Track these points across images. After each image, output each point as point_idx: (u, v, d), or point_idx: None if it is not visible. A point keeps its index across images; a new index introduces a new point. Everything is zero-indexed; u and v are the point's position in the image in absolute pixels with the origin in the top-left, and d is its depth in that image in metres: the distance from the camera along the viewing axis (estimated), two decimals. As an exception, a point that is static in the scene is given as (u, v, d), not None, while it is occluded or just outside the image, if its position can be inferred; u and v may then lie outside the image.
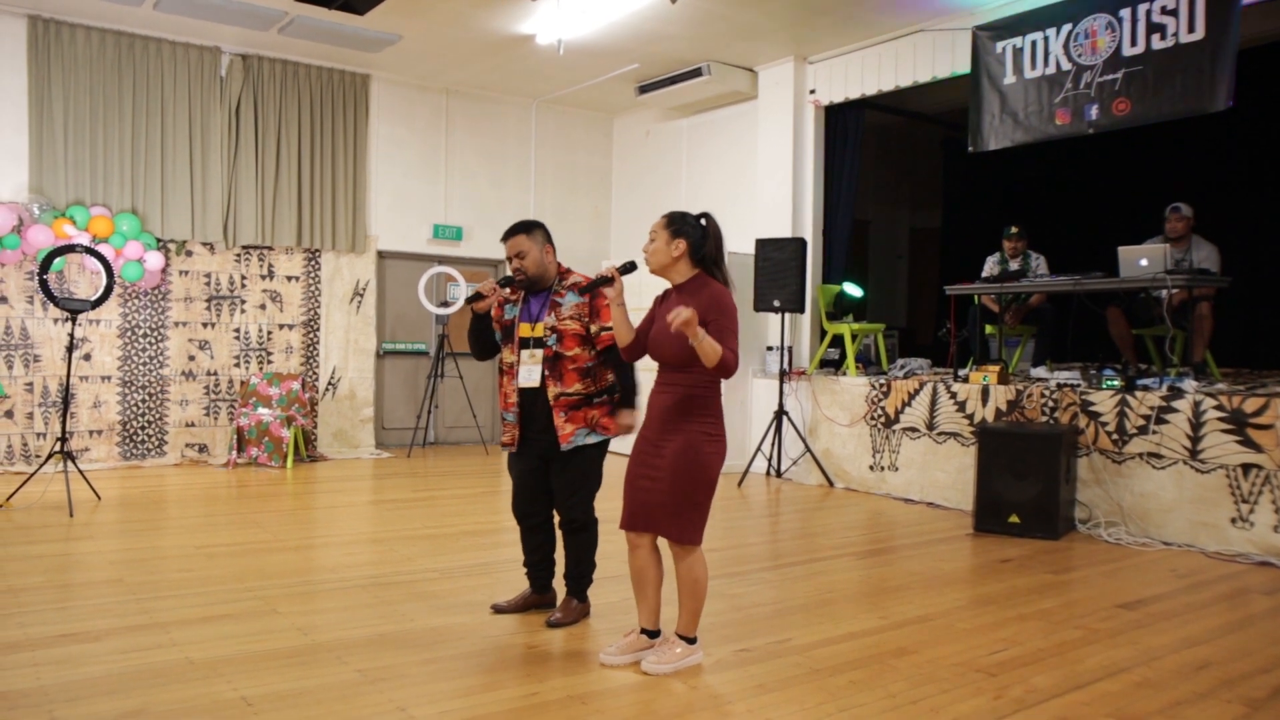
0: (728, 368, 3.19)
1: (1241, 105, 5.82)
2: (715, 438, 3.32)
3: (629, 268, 3.47)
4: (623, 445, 3.75)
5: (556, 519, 3.93)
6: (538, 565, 4.02)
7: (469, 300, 3.79)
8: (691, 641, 3.42)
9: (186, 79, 8.25)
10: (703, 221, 3.38)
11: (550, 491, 3.87)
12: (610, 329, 3.67)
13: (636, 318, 3.47)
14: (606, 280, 3.42)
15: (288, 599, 4.18)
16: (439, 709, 3.01)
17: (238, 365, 8.67)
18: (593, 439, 3.77)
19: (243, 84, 8.50)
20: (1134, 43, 6.20)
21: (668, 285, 3.45)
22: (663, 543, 3.43)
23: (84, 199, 7.84)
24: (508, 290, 3.89)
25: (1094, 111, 6.44)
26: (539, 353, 3.74)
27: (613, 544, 4.33)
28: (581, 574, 3.93)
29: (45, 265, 6.13)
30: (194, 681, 3.18)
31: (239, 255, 8.65)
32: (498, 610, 4.01)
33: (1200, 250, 6.71)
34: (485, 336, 3.86)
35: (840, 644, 3.73)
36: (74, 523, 5.66)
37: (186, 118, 8.26)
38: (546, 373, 3.73)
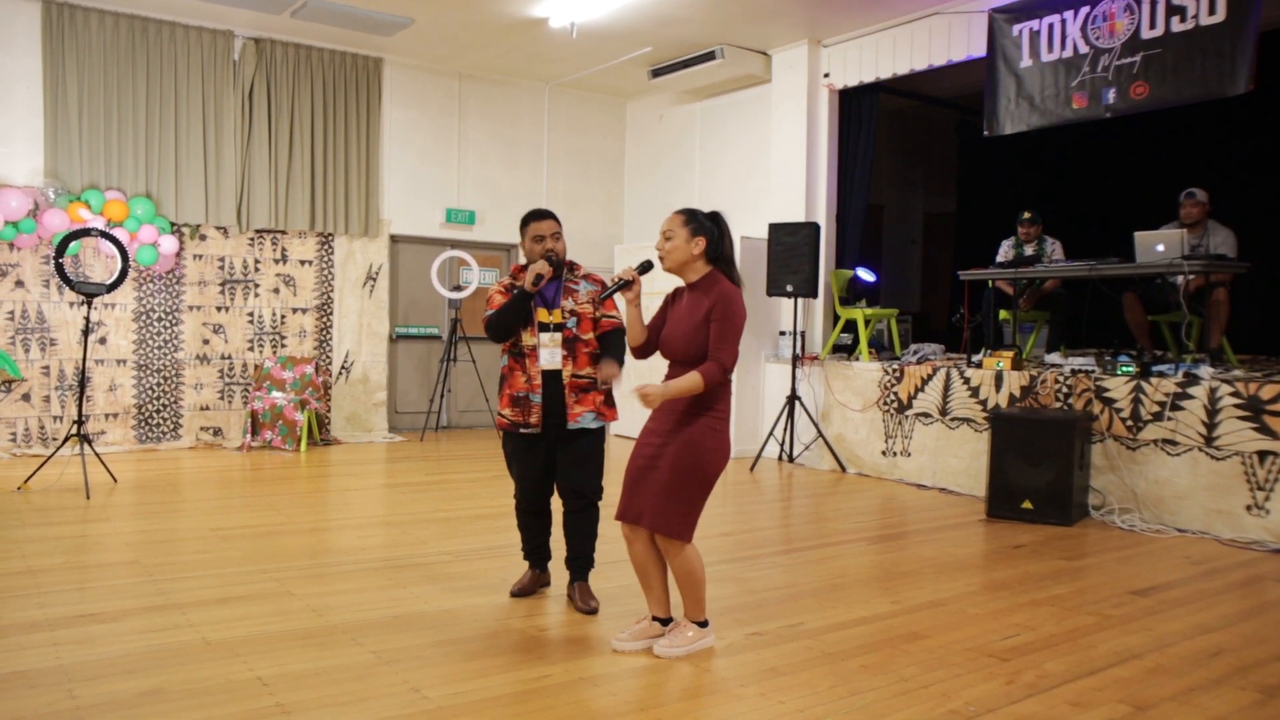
0: (714, 381, 3.23)
1: (1261, 88, 5.76)
2: (719, 434, 3.32)
3: (646, 267, 3.47)
4: (629, 430, 3.76)
5: (560, 503, 3.98)
6: (541, 548, 4.13)
7: (534, 283, 3.77)
8: (703, 625, 3.43)
9: (200, 63, 8.27)
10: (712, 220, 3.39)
11: (552, 478, 3.96)
12: (613, 316, 3.90)
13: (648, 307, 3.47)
14: (626, 284, 3.42)
15: (302, 581, 4.22)
16: (452, 690, 3.03)
17: (251, 349, 8.71)
18: (595, 424, 3.91)
19: (256, 68, 8.50)
20: (1153, 25, 6.13)
21: (679, 283, 3.45)
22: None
23: (99, 183, 7.88)
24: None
25: (1111, 95, 6.38)
26: (559, 335, 3.84)
27: (618, 527, 4.34)
28: (589, 555, 4.00)
29: (61, 249, 6.16)
30: (210, 662, 3.21)
31: (252, 239, 8.68)
32: (516, 595, 4.05)
33: (1217, 235, 6.65)
34: (521, 318, 3.86)
35: (852, 628, 3.74)
36: (91, 505, 5.71)
37: (200, 102, 8.28)
38: (565, 354, 3.83)
